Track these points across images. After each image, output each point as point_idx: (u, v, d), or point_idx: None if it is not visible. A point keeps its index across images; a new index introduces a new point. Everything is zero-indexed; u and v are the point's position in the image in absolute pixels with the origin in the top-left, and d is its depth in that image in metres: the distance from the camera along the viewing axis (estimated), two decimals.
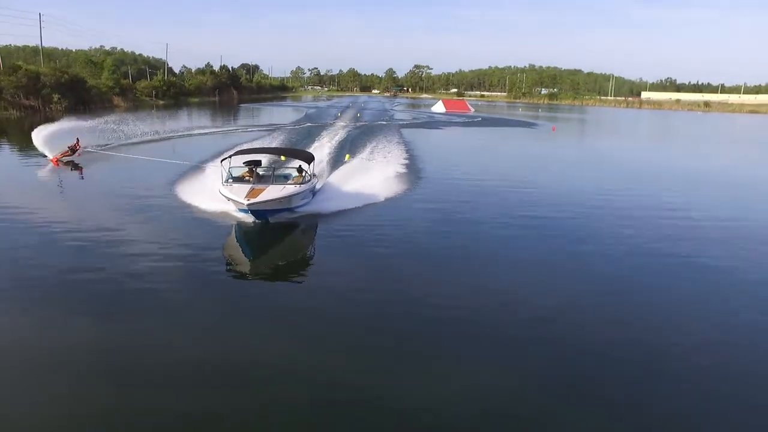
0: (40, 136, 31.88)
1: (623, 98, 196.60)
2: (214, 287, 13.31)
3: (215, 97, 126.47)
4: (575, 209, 23.00)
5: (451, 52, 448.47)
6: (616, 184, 29.86)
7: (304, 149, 26.70)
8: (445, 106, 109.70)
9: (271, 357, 10.28)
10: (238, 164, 19.42)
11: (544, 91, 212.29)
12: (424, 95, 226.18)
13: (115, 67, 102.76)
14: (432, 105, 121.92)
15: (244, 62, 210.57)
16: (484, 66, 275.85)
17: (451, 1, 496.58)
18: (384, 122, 67.52)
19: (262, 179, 18.94)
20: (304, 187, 19.07)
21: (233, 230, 17.78)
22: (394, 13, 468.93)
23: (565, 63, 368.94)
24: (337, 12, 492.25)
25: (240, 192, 17.21)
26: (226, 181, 18.35)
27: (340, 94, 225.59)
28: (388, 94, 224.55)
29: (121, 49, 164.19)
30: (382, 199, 22.60)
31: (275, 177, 19.82)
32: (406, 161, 33.39)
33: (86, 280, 13.23)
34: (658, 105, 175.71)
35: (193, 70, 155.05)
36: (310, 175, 20.23)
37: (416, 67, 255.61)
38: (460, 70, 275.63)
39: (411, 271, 14.99)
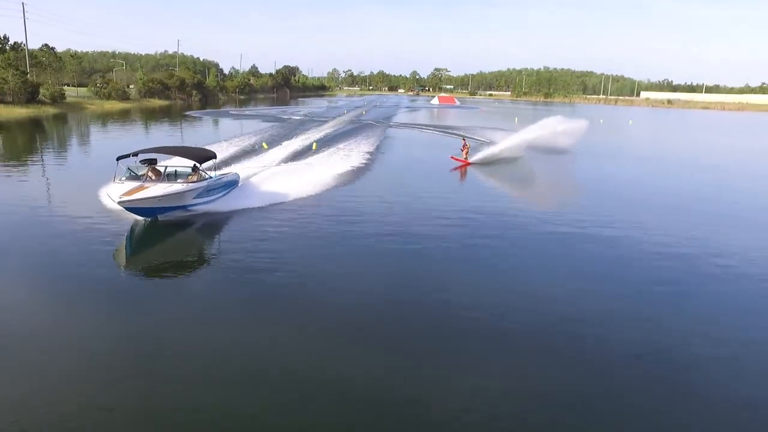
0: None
1: (604, 96, 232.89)
2: (85, 282, 13.96)
3: (273, 94, 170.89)
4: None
5: (475, 54, 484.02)
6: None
7: (206, 148, 24.37)
8: (438, 100, 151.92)
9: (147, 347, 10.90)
10: (134, 163, 19.66)
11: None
12: (446, 93, 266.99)
13: (204, 69, 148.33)
14: (432, 99, 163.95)
15: (286, 64, 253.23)
16: (503, 68, 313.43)
17: (479, 2, 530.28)
18: (379, 122, 71.87)
19: (158, 178, 19.14)
20: (190, 186, 19.26)
21: (131, 227, 18.55)
22: (422, 16, 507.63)
23: (579, 65, 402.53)
24: (369, 14, 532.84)
25: (119, 189, 17.69)
26: (120, 179, 18.62)
27: (370, 92, 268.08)
28: (411, 93, 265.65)
29: (182, 53, 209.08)
30: (292, 199, 23.03)
31: (169, 176, 20.18)
32: (359, 160, 34.84)
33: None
34: (629, 102, 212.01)
35: (240, 71, 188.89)
36: (208, 175, 20.66)
37: (436, 69, 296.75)
38: (481, 71, 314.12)
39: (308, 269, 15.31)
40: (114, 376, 9.82)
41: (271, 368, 10.33)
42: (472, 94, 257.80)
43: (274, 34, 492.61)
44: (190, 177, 20.08)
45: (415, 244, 17.97)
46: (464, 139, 37.87)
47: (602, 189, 30.53)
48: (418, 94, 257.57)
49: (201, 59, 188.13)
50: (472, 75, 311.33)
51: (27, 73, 74.05)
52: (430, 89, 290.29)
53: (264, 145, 39.01)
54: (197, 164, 20.23)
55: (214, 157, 21.65)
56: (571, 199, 27.65)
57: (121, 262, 16.11)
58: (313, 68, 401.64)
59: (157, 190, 18.05)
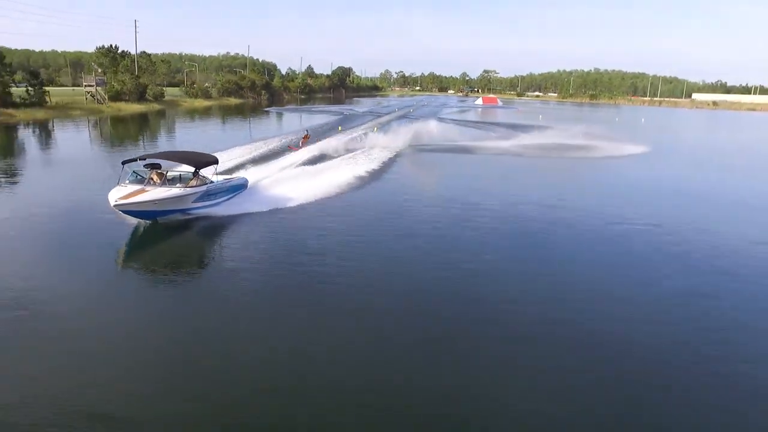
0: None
1: (649, 98, 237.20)
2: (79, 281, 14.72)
3: (330, 94, 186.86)
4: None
5: (525, 55, 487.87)
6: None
7: (209, 153, 24.65)
8: (482, 100, 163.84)
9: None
10: (140, 167, 20.29)
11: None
12: (490, 95, 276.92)
13: (264, 70, 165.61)
14: (477, 100, 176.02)
15: (341, 65, 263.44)
16: (554, 69, 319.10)
17: (532, 3, 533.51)
18: (424, 118, 79.36)
19: (160, 182, 19.67)
20: (188, 190, 19.93)
21: (134, 228, 19.51)
22: (474, 17, 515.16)
23: (631, 66, 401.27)
24: (421, 15, 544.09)
25: (118, 193, 18.29)
26: (124, 182, 19.18)
27: (420, 93, 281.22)
28: (461, 94, 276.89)
29: (243, 54, 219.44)
30: (298, 204, 23.44)
31: (173, 180, 20.82)
32: (374, 164, 34.48)
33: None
34: (674, 103, 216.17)
35: (298, 72, 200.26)
36: (209, 180, 21.55)
37: (485, 71, 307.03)
38: (531, 73, 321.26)
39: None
40: (112, 375, 10.24)
41: (276, 364, 11.00)
42: (520, 95, 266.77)
43: (328, 35, 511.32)
44: (190, 181, 20.73)
45: (419, 246, 18.78)
46: (306, 131, 41.42)
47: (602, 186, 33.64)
48: (467, 95, 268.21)
49: (260, 60, 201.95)
50: (522, 76, 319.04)
51: (139, 77, 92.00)
52: (479, 90, 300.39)
53: (339, 128, 53.47)
54: (196, 169, 20.89)
55: (216, 162, 22.40)
56: (600, 200, 28.44)
57: (119, 262, 16.87)
58: (365, 69, 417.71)
59: (153, 194, 18.78)
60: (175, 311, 13.60)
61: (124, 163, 20.57)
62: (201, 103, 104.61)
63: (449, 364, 11.25)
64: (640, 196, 30.13)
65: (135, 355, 11.31)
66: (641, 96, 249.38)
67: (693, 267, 17.91)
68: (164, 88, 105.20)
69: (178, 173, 21.81)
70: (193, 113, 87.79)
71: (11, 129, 56.08)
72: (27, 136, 52.50)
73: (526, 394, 10.23)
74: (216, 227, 20.57)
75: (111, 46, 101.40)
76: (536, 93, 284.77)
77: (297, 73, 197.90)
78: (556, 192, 29.40)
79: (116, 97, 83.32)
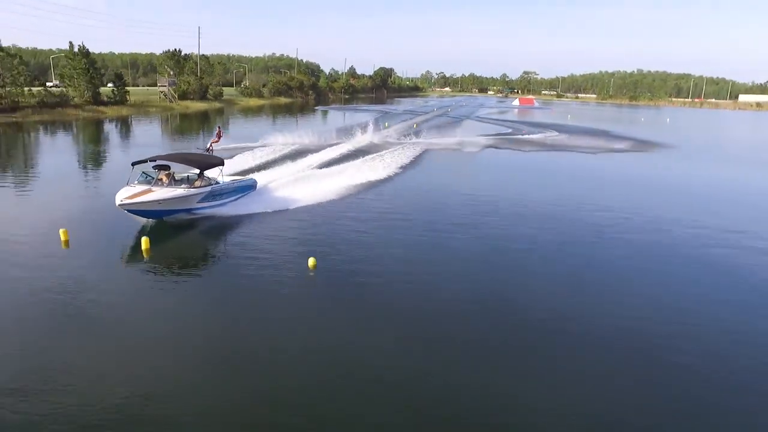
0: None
1: (689, 99, 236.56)
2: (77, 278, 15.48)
3: (372, 94, 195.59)
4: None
5: (566, 56, 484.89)
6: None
7: (216, 155, 25.89)
8: (519, 101, 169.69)
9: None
10: (149, 168, 21.31)
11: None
12: (529, 96, 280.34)
13: (308, 71, 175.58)
14: (514, 101, 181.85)
15: (382, 66, 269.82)
16: (595, 70, 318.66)
17: (573, 2, 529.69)
18: (461, 117, 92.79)
19: (167, 183, 20.56)
20: (191, 191, 20.79)
21: (146, 225, 20.68)
22: (514, 18, 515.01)
23: (676, 67, 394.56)
24: (461, 15, 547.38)
25: (125, 193, 19.28)
26: (133, 182, 20.09)
27: (460, 94, 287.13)
28: (500, 95, 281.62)
29: (288, 55, 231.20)
30: (304, 204, 24.19)
31: (181, 180, 21.46)
32: (387, 167, 35.04)
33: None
34: (715, 105, 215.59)
35: (340, 73, 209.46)
36: (214, 181, 22.47)
37: (525, 72, 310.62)
38: (572, 74, 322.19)
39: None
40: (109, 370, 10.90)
41: (284, 356, 11.75)
42: (559, 96, 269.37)
43: (371, 36, 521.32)
44: (195, 182, 21.41)
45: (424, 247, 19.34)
46: (219, 128, 41.15)
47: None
48: (506, 96, 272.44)
49: (304, 61, 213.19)
50: (563, 77, 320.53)
51: (202, 78, 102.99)
52: (519, 91, 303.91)
53: (386, 124, 61.57)
54: (201, 171, 21.70)
55: (221, 164, 23.23)
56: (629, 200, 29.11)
57: (124, 259, 17.65)
58: (407, 70, 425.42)
59: (157, 194, 19.56)
60: (177, 307, 14.30)
61: (133, 164, 21.67)
62: (255, 102, 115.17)
63: (474, 363, 11.75)
64: (616, 187, 36.68)
65: (136, 349, 11.86)
66: (684, 97, 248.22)
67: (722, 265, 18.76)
68: (222, 88, 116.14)
69: (186, 174, 22.35)
70: (247, 111, 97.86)
71: (101, 123, 67.17)
72: (112, 129, 63.40)
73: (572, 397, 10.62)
74: (219, 227, 21.37)
75: (175, 50, 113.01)
76: (576, 95, 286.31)
77: (340, 73, 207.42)
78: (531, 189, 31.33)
79: (183, 96, 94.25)
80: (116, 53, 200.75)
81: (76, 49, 77.27)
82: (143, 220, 20.87)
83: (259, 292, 15.18)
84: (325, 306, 14.54)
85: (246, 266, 17.07)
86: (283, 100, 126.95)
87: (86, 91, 75.36)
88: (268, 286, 15.49)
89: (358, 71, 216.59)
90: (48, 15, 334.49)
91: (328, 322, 13.55)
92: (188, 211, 21.55)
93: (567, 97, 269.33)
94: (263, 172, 30.72)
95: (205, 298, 15.03)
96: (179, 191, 20.48)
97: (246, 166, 33.28)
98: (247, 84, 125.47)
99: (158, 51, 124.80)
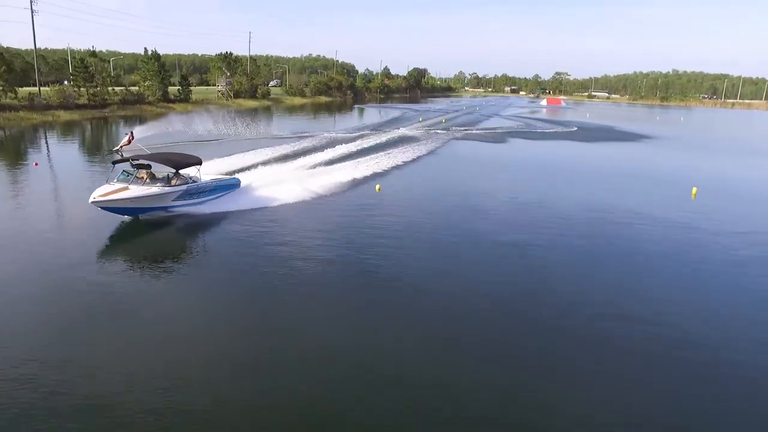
0: None
1: (720, 100, 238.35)
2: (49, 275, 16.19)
3: (406, 94, 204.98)
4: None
5: (600, 56, 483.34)
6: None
7: (192, 155, 25.27)
8: (547, 101, 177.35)
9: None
10: (129, 167, 21.97)
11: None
12: (561, 96, 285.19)
13: (343, 71, 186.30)
14: (542, 101, 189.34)
15: (416, 66, 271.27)
16: (629, 71, 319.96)
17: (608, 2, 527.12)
18: (488, 115, 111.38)
19: (145, 181, 21.11)
20: (166, 189, 21.36)
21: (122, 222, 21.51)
22: (548, 18, 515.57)
23: (713, 67, 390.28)
24: (495, 15, 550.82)
25: (100, 190, 20.01)
26: (112, 180, 20.83)
27: (492, 94, 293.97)
28: (532, 95, 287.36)
29: (323, 56, 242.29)
30: (283, 204, 25.03)
31: (159, 180, 21.91)
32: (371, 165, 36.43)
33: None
34: (747, 105, 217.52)
35: (375, 73, 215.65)
36: (191, 180, 22.92)
37: (557, 73, 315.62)
38: (605, 74, 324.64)
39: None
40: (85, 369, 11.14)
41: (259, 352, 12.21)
42: (590, 97, 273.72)
43: (405, 37, 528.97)
44: (171, 181, 21.73)
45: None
46: (131, 132, 41.45)
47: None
48: (538, 96, 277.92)
49: (340, 61, 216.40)
50: (596, 78, 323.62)
51: (253, 78, 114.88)
52: (550, 92, 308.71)
53: (443, 120, 73.78)
54: (176, 170, 21.97)
55: (199, 163, 23.45)
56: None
57: (98, 256, 18.03)
58: (440, 70, 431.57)
59: (130, 192, 20.11)
60: (147, 301, 14.66)
61: (114, 163, 22.69)
62: (299, 100, 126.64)
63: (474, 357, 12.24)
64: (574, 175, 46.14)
65: (108, 343, 12.16)
66: (720, 98, 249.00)
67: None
68: (269, 88, 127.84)
69: (166, 173, 22.64)
70: (292, 109, 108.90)
71: (169, 117, 78.89)
72: (178, 123, 74.62)
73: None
74: (193, 225, 21.98)
75: (227, 53, 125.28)
76: (606, 95, 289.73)
77: (374, 73, 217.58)
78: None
79: (236, 95, 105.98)
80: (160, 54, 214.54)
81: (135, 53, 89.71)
82: (122, 217, 21.80)
83: (234, 287, 15.94)
84: (331, 301, 15.22)
85: (216, 263, 18.04)
86: (323, 99, 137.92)
87: (158, 90, 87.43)
88: (239, 285, 16.13)
89: (393, 71, 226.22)
90: (86, 17, 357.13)
91: (329, 319, 13.98)
92: (164, 209, 22.20)
93: (598, 98, 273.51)
94: (256, 171, 31.51)
95: (180, 292, 15.69)
96: (153, 189, 21.11)
97: (260, 160, 35.84)
98: (290, 84, 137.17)
99: (199, 52, 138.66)
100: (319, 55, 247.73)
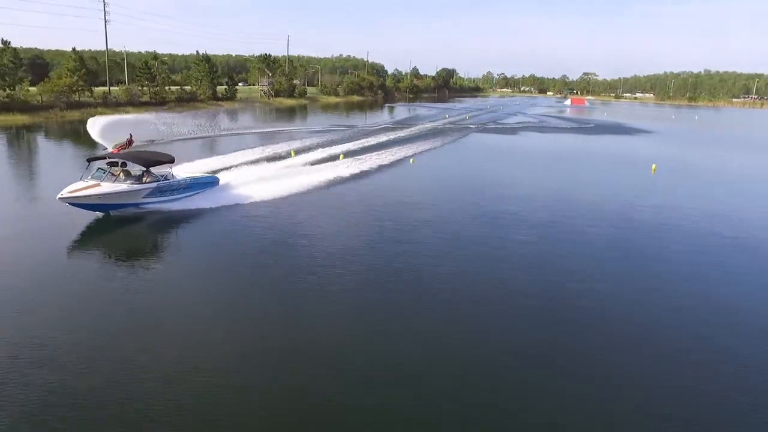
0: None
1: (750, 99, 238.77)
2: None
3: (435, 94, 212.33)
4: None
5: (632, 56, 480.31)
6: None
7: (165, 152, 25.89)
8: (571, 101, 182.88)
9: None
10: (104, 164, 22.36)
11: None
12: (588, 96, 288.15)
13: (373, 71, 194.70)
14: (566, 101, 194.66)
15: (444, 67, 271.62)
16: (660, 71, 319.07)
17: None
18: (511, 113, 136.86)
19: (117, 178, 21.64)
20: (135, 186, 21.82)
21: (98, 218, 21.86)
22: (578, 18, 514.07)
23: (747, 66, 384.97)
24: (526, 15, 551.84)
25: (71, 187, 20.34)
26: (86, 177, 21.18)
27: (520, 94, 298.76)
28: (559, 96, 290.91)
29: (353, 56, 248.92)
30: (248, 203, 25.20)
31: (132, 177, 22.37)
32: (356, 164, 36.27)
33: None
34: None
35: (404, 73, 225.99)
36: (161, 177, 23.21)
37: (585, 73, 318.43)
38: (635, 75, 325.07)
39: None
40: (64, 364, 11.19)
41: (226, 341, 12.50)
42: (618, 97, 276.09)
43: (434, 37, 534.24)
44: (144, 178, 22.41)
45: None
46: (131, 136, 40.32)
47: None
48: (565, 97, 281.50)
49: (369, 62, 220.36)
50: (625, 78, 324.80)
51: (291, 78, 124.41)
52: (578, 92, 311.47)
53: (467, 117, 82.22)
54: (147, 168, 22.70)
55: (171, 161, 24.05)
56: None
57: (68, 252, 18.38)
58: (469, 70, 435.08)
59: (99, 189, 20.65)
60: (115, 297, 14.79)
61: (89, 160, 22.97)
62: (333, 99, 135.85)
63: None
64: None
65: (76, 341, 12.24)
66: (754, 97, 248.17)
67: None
68: (306, 87, 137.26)
69: (140, 171, 23.00)
70: (326, 107, 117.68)
71: (215, 114, 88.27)
72: (226, 118, 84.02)
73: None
74: (163, 221, 22.28)
75: (267, 54, 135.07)
76: (634, 95, 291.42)
77: (403, 74, 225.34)
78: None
79: (276, 93, 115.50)
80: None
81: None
82: (96, 214, 22.18)
83: (211, 280, 16.38)
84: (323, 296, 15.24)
85: (193, 257, 18.48)
86: (355, 98, 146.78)
87: (208, 89, 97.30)
88: (215, 278, 16.56)
89: (421, 72, 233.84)
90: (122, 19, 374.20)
91: (327, 316, 14.05)
92: (136, 205, 22.53)
93: (625, 98, 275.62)
94: (243, 169, 31.94)
95: (154, 286, 15.78)
96: (122, 186, 21.53)
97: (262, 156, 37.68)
98: (324, 84, 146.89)
99: (232, 53, 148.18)
100: (349, 56, 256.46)
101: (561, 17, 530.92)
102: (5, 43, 68.81)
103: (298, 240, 20.22)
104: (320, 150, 41.42)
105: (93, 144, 42.58)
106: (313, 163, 35.87)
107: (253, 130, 59.95)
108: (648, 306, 15.30)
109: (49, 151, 44.16)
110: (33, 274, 16.33)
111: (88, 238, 20.44)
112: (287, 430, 9.73)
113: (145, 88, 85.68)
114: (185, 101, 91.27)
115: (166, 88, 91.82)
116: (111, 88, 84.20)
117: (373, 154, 40.92)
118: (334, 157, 38.56)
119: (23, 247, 18.82)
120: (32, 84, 73.20)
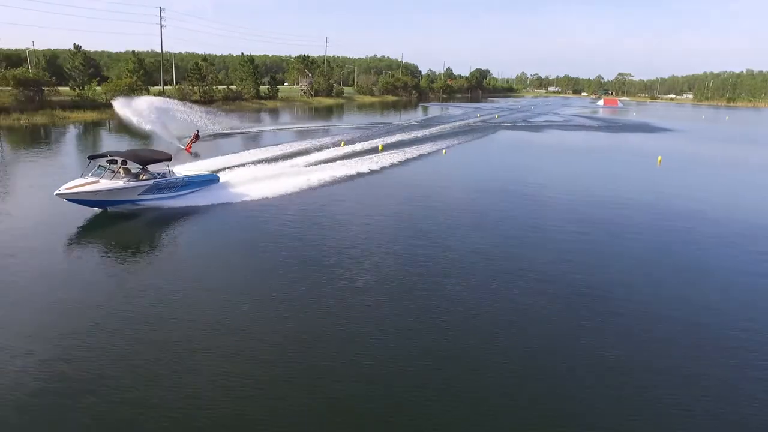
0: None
1: None
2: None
3: (468, 94, 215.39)
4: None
5: (670, 55, 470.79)
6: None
7: (163, 151, 26.75)
8: (603, 102, 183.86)
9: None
10: (104, 162, 22.89)
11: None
12: (623, 97, 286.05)
13: (407, 71, 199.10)
14: (599, 101, 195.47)
15: (478, 67, 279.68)
16: (699, 71, 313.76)
17: None
18: (542, 113, 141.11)
19: (116, 175, 22.17)
20: (131, 184, 22.26)
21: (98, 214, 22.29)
22: (617, 17, 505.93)
23: None
24: (565, 13, 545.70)
25: (70, 183, 20.84)
26: (87, 174, 21.69)
27: (554, 95, 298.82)
28: (594, 96, 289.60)
29: (387, 56, 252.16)
30: (241, 201, 25.28)
31: (131, 174, 22.84)
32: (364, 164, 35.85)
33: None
34: None
35: (437, 73, 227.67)
36: (159, 175, 23.68)
37: (620, 74, 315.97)
38: (673, 75, 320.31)
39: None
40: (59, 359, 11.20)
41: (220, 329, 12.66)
42: (653, 98, 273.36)
43: (468, 37, 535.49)
44: (141, 176, 22.93)
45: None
46: (197, 131, 43.56)
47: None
48: (599, 97, 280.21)
49: (403, 62, 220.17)
50: (663, 78, 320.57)
51: (329, 78, 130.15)
52: (613, 93, 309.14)
53: (496, 116, 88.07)
54: (144, 166, 23.20)
55: (168, 159, 24.54)
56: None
57: (65, 247, 18.58)
58: (503, 71, 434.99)
59: (96, 186, 21.11)
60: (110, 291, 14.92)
61: (89, 158, 23.38)
62: (369, 99, 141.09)
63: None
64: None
65: (71, 335, 12.24)
66: None
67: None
68: (343, 87, 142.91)
69: (139, 169, 23.43)
70: (362, 106, 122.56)
71: (260, 112, 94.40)
72: (267, 116, 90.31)
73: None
74: (159, 218, 22.48)
75: (305, 55, 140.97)
76: (670, 96, 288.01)
77: (437, 74, 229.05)
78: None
79: (315, 93, 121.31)
80: (234, 55, 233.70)
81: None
82: (95, 210, 22.54)
83: (212, 275, 16.28)
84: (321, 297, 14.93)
85: (194, 253, 18.59)
86: (390, 97, 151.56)
87: (252, 88, 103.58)
88: (206, 277, 16.16)
89: (455, 72, 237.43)
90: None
91: (325, 314, 13.86)
92: (132, 202, 22.97)
93: (661, 99, 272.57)
94: (250, 167, 32.18)
95: (154, 282, 15.73)
96: (119, 183, 21.96)
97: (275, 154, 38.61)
98: (360, 84, 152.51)
99: (269, 53, 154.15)
100: (383, 56, 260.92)
101: (597, 16, 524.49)
102: (77, 47, 76.12)
103: (305, 234, 20.66)
104: (360, 144, 46.32)
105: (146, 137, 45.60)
106: (357, 154, 39.68)
107: (306, 125, 66.93)
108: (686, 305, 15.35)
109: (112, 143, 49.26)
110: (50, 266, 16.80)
111: (84, 232, 20.81)
112: (287, 429, 9.73)
113: (195, 87, 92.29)
114: (231, 100, 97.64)
115: (214, 87, 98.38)
116: (164, 87, 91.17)
117: (408, 148, 45.30)
118: (374, 149, 43.27)
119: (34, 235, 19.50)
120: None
